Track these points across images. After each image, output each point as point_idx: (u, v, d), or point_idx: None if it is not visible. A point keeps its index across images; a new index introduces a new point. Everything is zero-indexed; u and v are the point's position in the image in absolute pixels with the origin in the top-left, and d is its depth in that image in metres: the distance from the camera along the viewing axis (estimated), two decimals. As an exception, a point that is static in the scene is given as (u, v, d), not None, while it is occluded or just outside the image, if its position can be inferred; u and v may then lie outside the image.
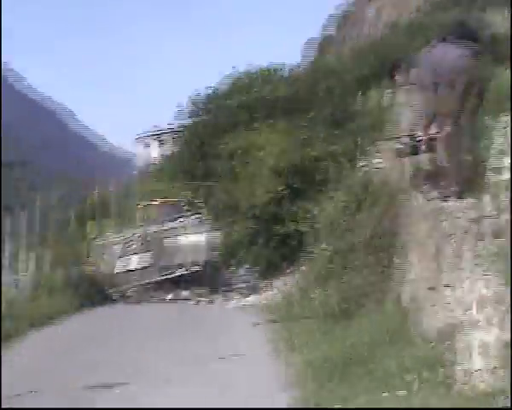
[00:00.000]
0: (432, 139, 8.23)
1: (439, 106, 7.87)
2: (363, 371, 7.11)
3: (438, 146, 8.18)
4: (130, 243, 24.33)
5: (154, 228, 24.78)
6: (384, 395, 6.20)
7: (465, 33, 7.96)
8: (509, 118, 6.81)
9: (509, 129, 6.58)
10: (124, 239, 24.52)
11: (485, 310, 5.48)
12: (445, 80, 7.76)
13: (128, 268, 23.79)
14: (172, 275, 23.67)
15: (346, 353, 7.75)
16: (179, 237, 24.51)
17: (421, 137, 8.27)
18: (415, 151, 8.42)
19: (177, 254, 24.14)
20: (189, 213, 27.29)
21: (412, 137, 8.35)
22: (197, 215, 25.81)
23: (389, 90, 12.39)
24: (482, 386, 5.54)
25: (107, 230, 27.78)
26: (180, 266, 23.86)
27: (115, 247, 24.77)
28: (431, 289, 6.87)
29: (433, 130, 8.32)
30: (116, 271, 23.84)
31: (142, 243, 24.18)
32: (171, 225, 25.30)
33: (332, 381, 7.38)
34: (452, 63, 7.68)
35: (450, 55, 7.79)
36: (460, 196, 7.26)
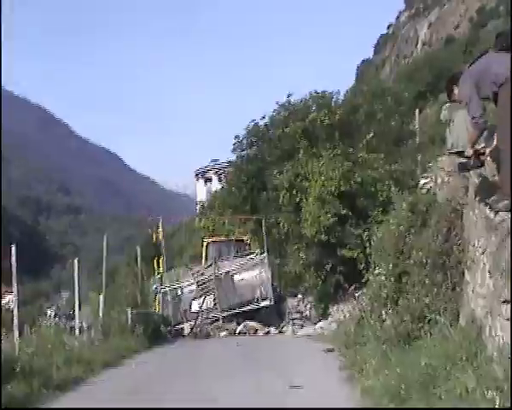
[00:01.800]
0: (480, 154, 8.13)
1: (499, 116, 7.75)
2: (442, 390, 6.96)
3: (488, 160, 8.12)
4: (202, 283, 24.90)
5: (222, 266, 25.34)
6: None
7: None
8: None
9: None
10: (196, 279, 25.12)
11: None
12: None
13: (202, 307, 24.33)
14: (242, 310, 24.10)
15: (421, 373, 7.60)
16: (244, 273, 24.99)
17: (468, 153, 8.19)
18: (479, 164, 8.29)
19: (245, 289, 24.61)
20: (249, 247, 27.88)
21: (475, 150, 8.23)
22: (258, 250, 26.25)
23: (447, 105, 12.18)
24: None
25: (175, 267, 28.24)
26: (249, 301, 24.29)
27: (188, 287, 25.43)
28: (505, 302, 6.69)
29: (481, 144, 8.26)
30: (192, 310, 24.42)
31: (213, 283, 24.68)
32: (237, 261, 25.81)
33: (410, 402, 7.27)
34: (510, 70, 7.56)
35: (506, 62, 7.67)
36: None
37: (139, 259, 25.64)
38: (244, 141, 28.45)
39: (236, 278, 25.35)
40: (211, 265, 25.85)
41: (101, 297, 19.30)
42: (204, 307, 24.60)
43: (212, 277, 24.85)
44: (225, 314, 24.15)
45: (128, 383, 12.64)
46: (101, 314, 18.93)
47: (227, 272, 25.28)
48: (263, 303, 24.25)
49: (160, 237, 28.31)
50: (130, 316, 19.72)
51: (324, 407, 9.01)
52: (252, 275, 25.14)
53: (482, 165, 8.32)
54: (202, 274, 25.65)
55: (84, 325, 18.90)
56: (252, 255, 26.53)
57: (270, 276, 24.60)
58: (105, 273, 21.15)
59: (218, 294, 24.48)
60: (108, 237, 23.92)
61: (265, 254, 24.99)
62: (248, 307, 24.17)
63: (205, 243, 29.14)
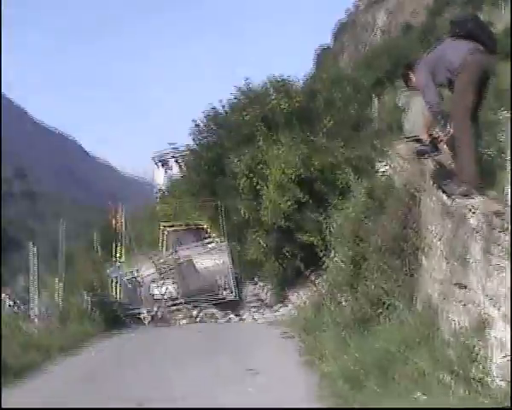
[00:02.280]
0: (437, 140, 8.25)
1: (454, 103, 7.87)
2: (399, 373, 7.08)
3: (443, 146, 8.25)
4: (163, 269, 24.87)
5: (182, 253, 25.35)
6: (418, 395, 6.19)
7: (466, 31, 7.97)
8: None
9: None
10: (158, 266, 25.10)
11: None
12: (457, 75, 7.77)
13: (163, 295, 24.32)
14: (202, 298, 24.20)
15: (379, 358, 7.71)
16: (205, 261, 25.05)
17: (425, 139, 8.29)
18: (435, 151, 8.41)
19: (208, 278, 24.70)
20: (208, 235, 28.02)
21: (432, 137, 8.33)
22: (218, 239, 26.35)
23: (405, 91, 12.31)
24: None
25: (133, 254, 28.16)
26: (211, 292, 24.40)
27: (148, 274, 25.39)
28: (460, 286, 6.82)
29: (437, 131, 8.37)
30: (153, 298, 24.39)
31: (174, 269, 24.67)
32: (198, 249, 25.87)
33: (368, 385, 7.37)
34: (464, 57, 7.67)
35: (461, 49, 7.78)
36: (468, 194, 7.24)
37: (97, 244, 25.48)
38: (202, 126, 28.32)
39: (198, 266, 25.40)
40: (172, 253, 25.85)
41: (59, 282, 19.14)
42: (165, 294, 24.55)
43: (174, 264, 24.81)
44: (187, 304, 24.12)
45: (86, 369, 12.59)
46: (58, 300, 18.77)
47: (189, 260, 25.27)
48: (226, 295, 24.34)
49: (120, 223, 28.12)
50: (88, 301, 19.57)
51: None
52: (214, 264, 25.24)
53: (439, 151, 8.44)
54: (164, 262, 25.61)
55: (42, 310, 18.73)
56: (213, 243, 26.58)
57: (232, 266, 24.69)
58: (63, 258, 20.96)
59: (180, 282, 24.46)
60: (67, 223, 23.72)
61: (226, 243, 25.10)
62: (211, 299, 24.22)
63: (163, 231, 29.09)
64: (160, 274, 25.01)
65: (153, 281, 25.02)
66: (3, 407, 8.65)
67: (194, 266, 25.23)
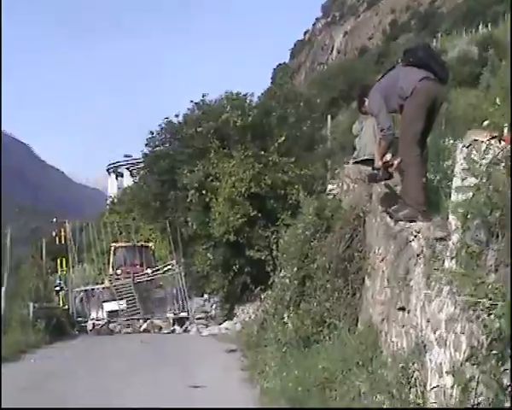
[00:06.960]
0: (389, 166, 8.32)
1: (403, 128, 7.99)
2: (337, 393, 7.12)
3: (394, 172, 8.35)
4: (117, 286, 24.80)
5: (135, 272, 25.39)
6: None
7: (418, 59, 8.10)
8: (472, 138, 6.90)
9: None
10: (111, 283, 25.02)
11: (453, 328, 5.51)
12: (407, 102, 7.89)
13: (112, 309, 24.22)
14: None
15: (318, 377, 7.74)
16: (158, 278, 25.11)
17: (377, 165, 8.36)
18: (387, 176, 8.47)
19: (162, 298, 24.77)
20: (153, 253, 28.18)
21: (384, 162, 8.40)
22: (166, 250, 26.36)
23: (359, 119, 12.50)
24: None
25: (83, 262, 27.93)
26: (164, 312, 24.37)
27: (97, 286, 25.27)
28: (401, 309, 6.90)
29: (389, 156, 8.46)
30: (104, 310, 24.24)
31: (128, 288, 24.60)
32: (150, 269, 25.95)
33: (307, 404, 7.40)
34: (415, 84, 7.79)
35: (412, 77, 7.91)
36: (412, 219, 7.35)
37: (44, 252, 25.11)
38: (157, 137, 28.23)
39: (151, 286, 25.42)
40: (119, 268, 25.82)
41: (3, 290, 18.82)
42: (117, 309, 24.33)
43: (128, 282, 24.65)
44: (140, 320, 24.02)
45: (26, 378, 12.38)
46: (1, 308, 18.45)
47: (144, 281, 25.18)
48: (179, 312, 24.33)
49: (66, 237, 27.66)
50: (32, 310, 19.27)
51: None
52: (166, 280, 25.33)
53: (391, 177, 8.51)
54: (117, 277, 25.49)
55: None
56: (168, 265, 26.62)
57: (185, 288, 24.65)
58: (8, 265, 20.59)
59: (133, 300, 24.28)
60: (14, 229, 23.31)
61: (181, 268, 25.16)
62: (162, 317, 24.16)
63: (112, 248, 28.96)
64: (114, 291, 24.83)
65: (105, 300, 24.78)
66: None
67: (148, 289, 25.23)
